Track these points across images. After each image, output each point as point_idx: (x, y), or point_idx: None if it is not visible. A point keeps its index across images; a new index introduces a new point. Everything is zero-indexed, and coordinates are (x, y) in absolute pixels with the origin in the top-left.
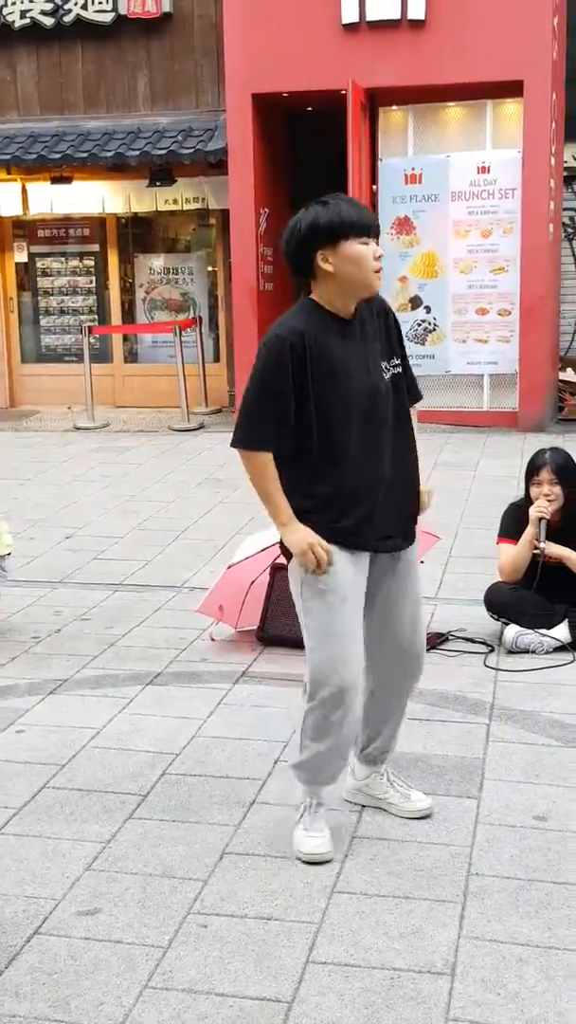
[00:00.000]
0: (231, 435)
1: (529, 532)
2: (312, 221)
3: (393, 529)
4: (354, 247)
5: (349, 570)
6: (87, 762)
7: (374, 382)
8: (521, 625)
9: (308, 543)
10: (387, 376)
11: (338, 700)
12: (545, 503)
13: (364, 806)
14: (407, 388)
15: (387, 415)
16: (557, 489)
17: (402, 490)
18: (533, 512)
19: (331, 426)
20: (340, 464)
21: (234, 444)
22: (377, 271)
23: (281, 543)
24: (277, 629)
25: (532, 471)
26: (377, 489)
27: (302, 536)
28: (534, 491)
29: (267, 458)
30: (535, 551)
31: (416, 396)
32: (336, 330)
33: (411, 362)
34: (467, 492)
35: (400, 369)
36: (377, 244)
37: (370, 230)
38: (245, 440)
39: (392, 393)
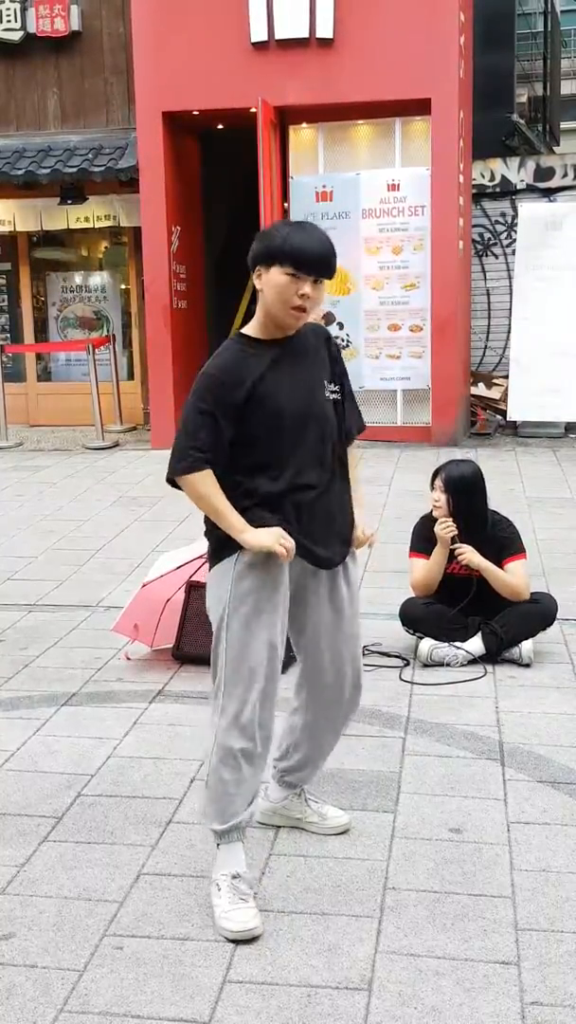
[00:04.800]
0: (144, 447)
1: (439, 552)
2: (267, 234)
3: (322, 546)
4: (280, 276)
5: (268, 579)
6: (0, 785)
7: (311, 403)
8: (435, 638)
9: (273, 537)
10: (329, 398)
11: (236, 762)
12: (449, 521)
13: (280, 826)
14: (349, 419)
15: (324, 436)
16: (444, 497)
17: (339, 512)
18: (440, 532)
19: (263, 443)
20: (272, 478)
21: (173, 475)
22: (295, 308)
23: (210, 554)
24: (193, 647)
25: (433, 477)
26: (305, 508)
27: (264, 534)
28: (431, 498)
29: (207, 474)
30: (452, 548)
31: (359, 427)
32: (265, 353)
33: None
34: (381, 507)
35: (339, 396)
36: (315, 287)
37: (305, 268)
38: (185, 467)
39: (329, 418)
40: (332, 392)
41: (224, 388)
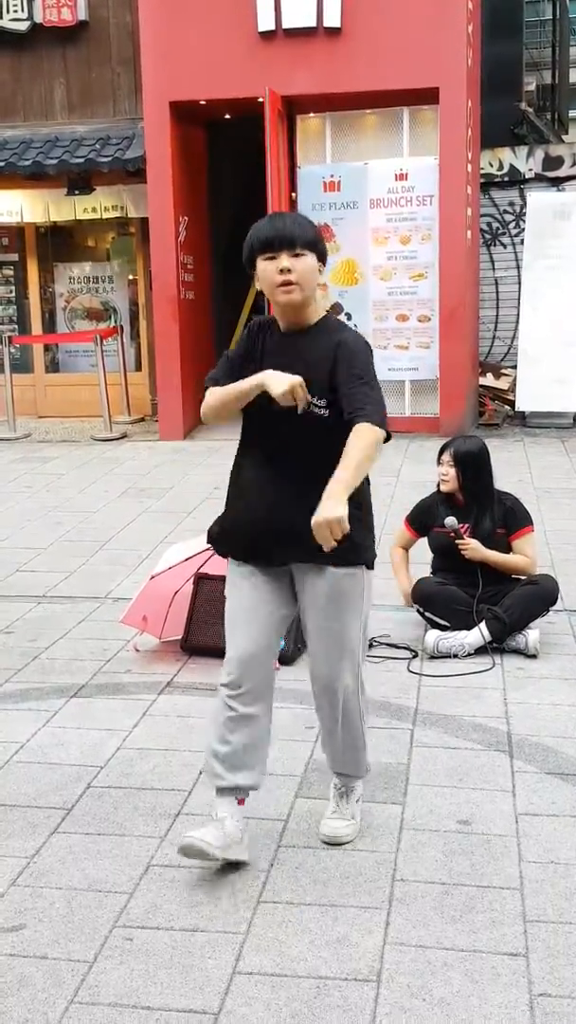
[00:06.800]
0: (152, 438)
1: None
2: (246, 241)
3: (290, 552)
4: (261, 264)
5: (243, 583)
6: (10, 777)
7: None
8: (441, 618)
9: (291, 380)
10: (306, 408)
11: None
12: (470, 544)
13: (288, 817)
14: (350, 406)
15: (296, 441)
16: (452, 471)
17: (301, 521)
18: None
19: (250, 422)
20: (243, 464)
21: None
22: (280, 286)
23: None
24: (201, 639)
25: (440, 453)
26: (261, 509)
27: (283, 377)
28: (437, 470)
29: (212, 389)
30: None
31: (358, 412)
32: (277, 340)
33: None
34: (389, 498)
35: (324, 412)
36: (294, 260)
37: (272, 244)
38: (202, 400)
39: (303, 426)
40: (316, 405)
41: (239, 357)
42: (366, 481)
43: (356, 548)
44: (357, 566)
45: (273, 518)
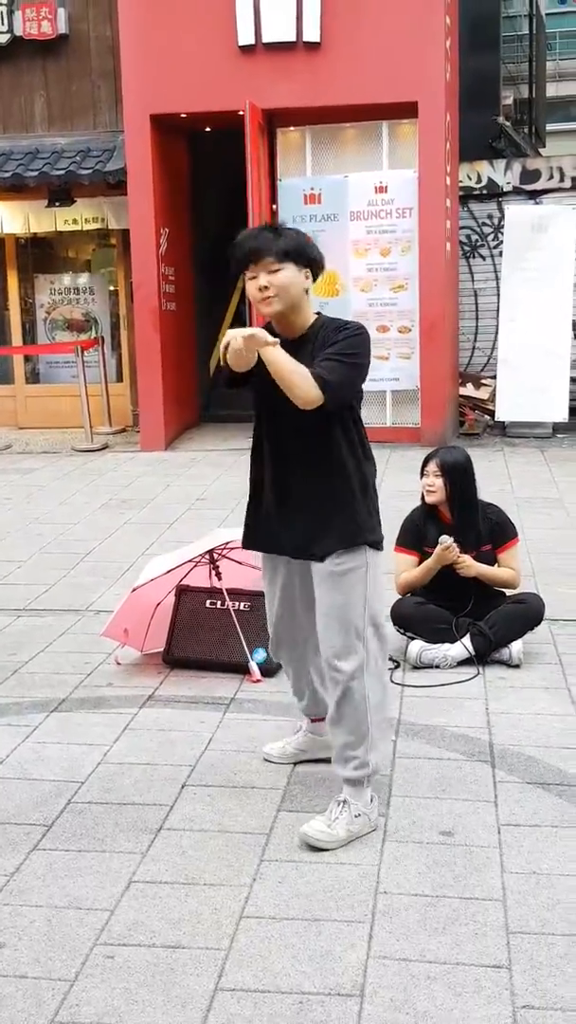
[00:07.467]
0: (134, 449)
1: (431, 563)
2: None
3: (297, 534)
4: (246, 281)
5: (266, 570)
6: None
7: (283, 400)
8: (425, 638)
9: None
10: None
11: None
12: (450, 542)
13: (271, 830)
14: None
15: (295, 427)
16: (439, 482)
17: (309, 503)
18: (445, 553)
19: (258, 416)
20: (256, 457)
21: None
22: (263, 300)
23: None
24: (183, 651)
25: (423, 465)
26: (272, 493)
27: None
28: (421, 483)
29: None
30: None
31: (319, 377)
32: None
33: None
34: None
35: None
36: (270, 275)
37: (246, 262)
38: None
39: (299, 416)
40: None
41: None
42: (371, 465)
43: (358, 528)
44: (358, 546)
45: (276, 518)
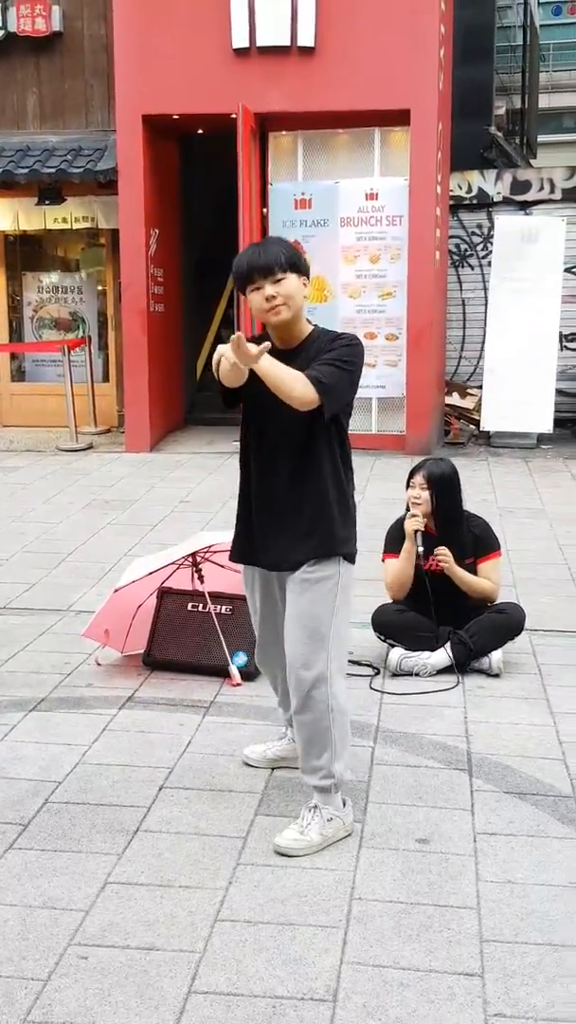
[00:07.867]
0: (118, 450)
1: (407, 547)
2: (232, 273)
3: (274, 547)
4: (250, 296)
5: (246, 582)
6: None
7: (279, 412)
8: (406, 646)
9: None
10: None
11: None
12: (417, 514)
13: (248, 834)
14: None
15: (283, 444)
16: (425, 495)
17: (289, 519)
18: (407, 526)
19: (246, 432)
20: (244, 474)
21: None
22: (269, 310)
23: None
24: (163, 653)
25: (409, 477)
26: (256, 507)
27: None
28: (407, 494)
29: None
30: (417, 560)
31: (313, 377)
32: (274, 353)
33: None
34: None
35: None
36: (275, 285)
37: (252, 277)
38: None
39: (298, 421)
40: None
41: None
42: (350, 478)
43: (332, 538)
44: (332, 557)
45: (259, 532)
